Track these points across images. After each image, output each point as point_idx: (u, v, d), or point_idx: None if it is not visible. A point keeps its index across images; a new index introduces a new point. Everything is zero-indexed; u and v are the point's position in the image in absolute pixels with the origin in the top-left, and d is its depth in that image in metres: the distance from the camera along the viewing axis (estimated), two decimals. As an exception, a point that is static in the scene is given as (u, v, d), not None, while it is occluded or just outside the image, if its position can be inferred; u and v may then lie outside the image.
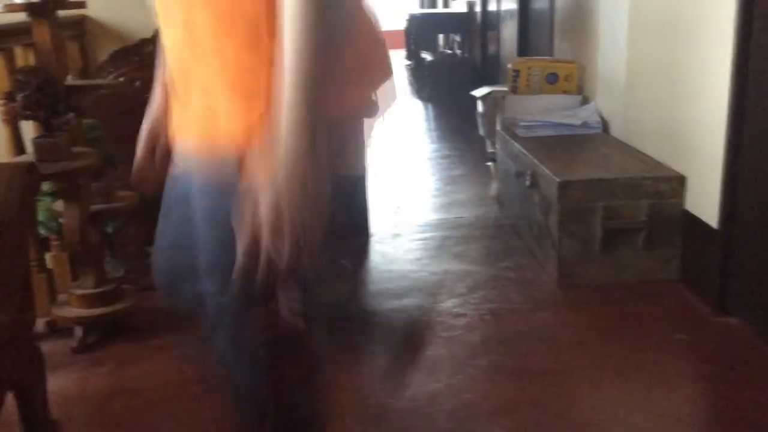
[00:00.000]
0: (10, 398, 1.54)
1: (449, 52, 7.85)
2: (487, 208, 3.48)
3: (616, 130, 3.03)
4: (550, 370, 2.02)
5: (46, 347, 1.81)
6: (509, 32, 5.15)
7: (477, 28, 6.56)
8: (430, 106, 6.58)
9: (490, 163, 3.79)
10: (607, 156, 2.72)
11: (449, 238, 3.10)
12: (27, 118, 2.05)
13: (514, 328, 2.26)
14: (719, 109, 2.19)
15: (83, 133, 2.25)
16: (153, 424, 1.85)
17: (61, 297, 2.34)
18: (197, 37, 1.00)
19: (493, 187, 3.64)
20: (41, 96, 1.95)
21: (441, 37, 8.33)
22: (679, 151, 2.49)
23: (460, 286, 2.58)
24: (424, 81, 6.82)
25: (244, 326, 1.12)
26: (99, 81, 2.57)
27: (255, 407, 1.21)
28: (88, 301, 2.21)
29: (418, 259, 2.89)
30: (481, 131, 3.81)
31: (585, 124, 3.09)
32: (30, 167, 1.63)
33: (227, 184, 0.98)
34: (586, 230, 2.45)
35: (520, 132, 3.10)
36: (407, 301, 2.49)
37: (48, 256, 2.46)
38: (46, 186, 2.23)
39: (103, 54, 2.86)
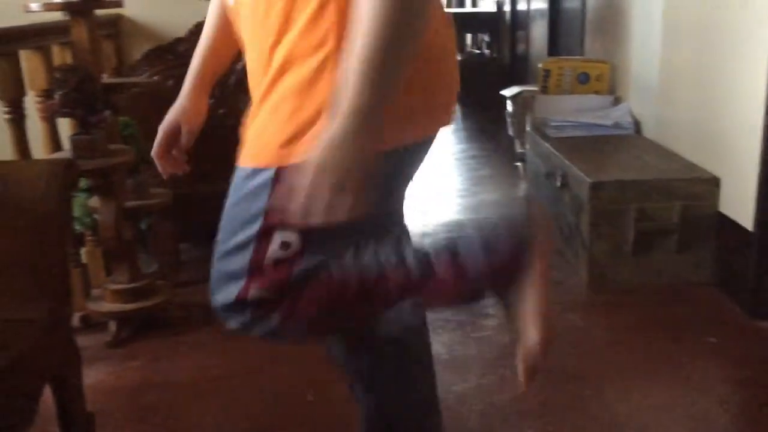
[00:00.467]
0: (47, 391, 1.57)
1: (477, 51, 7.82)
2: (516, 209, 3.46)
3: (648, 131, 3.00)
4: (582, 373, 2.01)
5: (81, 341, 1.84)
6: (539, 32, 5.12)
7: (506, 27, 6.53)
8: (457, 106, 6.56)
9: (518, 164, 3.78)
10: (639, 157, 2.69)
11: (478, 239, 3.09)
12: (64, 115, 2.09)
13: (544, 329, 2.25)
14: (755, 109, 2.16)
15: (119, 130, 2.28)
16: (184, 418, 1.87)
17: (96, 292, 2.37)
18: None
19: (523, 188, 3.62)
20: (79, 94, 1.98)
21: (469, 36, 8.30)
22: (714, 153, 2.46)
23: (489, 286, 2.57)
24: (452, 81, 6.79)
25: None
26: (134, 79, 2.61)
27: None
28: (122, 296, 2.24)
29: (446, 259, 2.88)
30: (511, 131, 3.80)
31: (617, 125, 3.07)
32: (68, 164, 1.66)
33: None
34: (618, 232, 2.43)
35: (551, 132, 3.08)
36: (437, 301, 2.48)
37: (82, 252, 2.49)
38: (81, 182, 2.26)
39: (137, 53, 2.89)
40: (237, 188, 1.07)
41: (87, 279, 2.45)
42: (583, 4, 3.93)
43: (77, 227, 2.40)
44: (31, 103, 2.33)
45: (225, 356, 2.14)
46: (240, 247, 1.07)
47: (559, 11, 4.63)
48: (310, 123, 1.00)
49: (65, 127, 2.42)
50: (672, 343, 2.14)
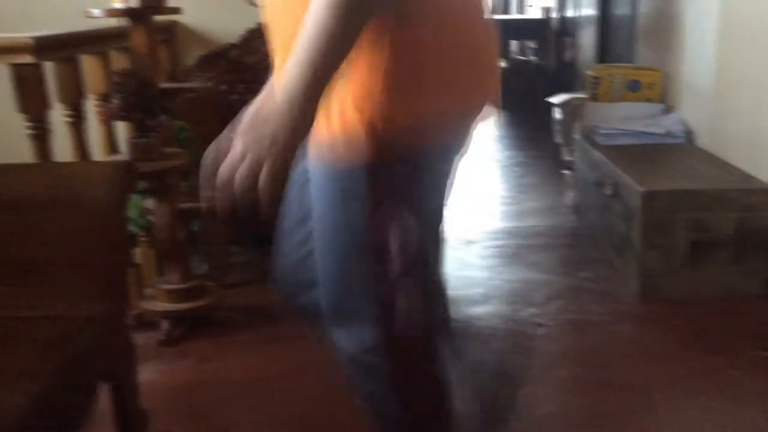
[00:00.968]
0: (104, 387, 1.61)
1: (522, 58, 7.77)
2: (562, 217, 3.44)
3: (701, 140, 2.95)
4: (632, 384, 1.98)
5: (134, 339, 1.88)
6: (587, 39, 5.07)
7: (552, 34, 6.47)
8: (502, 113, 6.54)
9: (566, 172, 3.74)
10: (692, 167, 2.65)
11: (524, 247, 3.07)
12: (123, 119, 2.14)
13: (594, 339, 2.23)
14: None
15: (174, 134, 2.33)
16: (234, 417, 1.89)
17: (148, 291, 2.42)
18: None
19: (570, 196, 3.59)
20: (137, 98, 2.03)
21: (514, 43, 8.26)
22: (772, 163, 2.41)
23: (537, 295, 2.55)
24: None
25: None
26: (189, 84, 2.66)
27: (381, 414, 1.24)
28: (175, 296, 2.28)
29: (492, 267, 2.87)
30: (558, 139, 3.76)
31: (668, 134, 3.02)
32: (128, 166, 1.70)
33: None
34: (671, 242, 2.39)
35: (600, 140, 3.04)
36: (486, 309, 2.47)
37: (136, 252, 2.55)
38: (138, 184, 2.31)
39: (191, 58, 2.95)
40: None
41: (140, 279, 2.50)
42: (634, 10, 3.88)
43: (132, 228, 2.46)
44: (89, 106, 2.39)
45: (272, 358, 2.16)
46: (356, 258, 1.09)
47: (609, 18, 4.58)
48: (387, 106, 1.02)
49: (122, 130, 2.48)
50: (724, 356, 2.10)
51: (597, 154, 2.91)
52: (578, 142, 3.25)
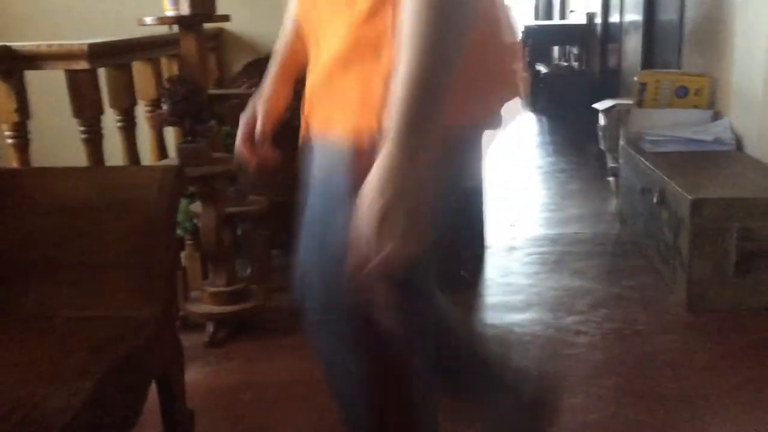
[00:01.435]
0: (151, 387, 1.65)
1: (565, 64, 7.71)
2: (607, 225, 3.40)
3: (751, 148, 2.89)
4: (677, 395, 1.95)
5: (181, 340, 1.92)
6: (632, 44, 5.01)
7: (596, 39, 6.41)
8: (544, 119, 6.49)
9: (610, 179, 3.70)
10: (742, 174, 2.59)
11: (567, 254, 3.04)
12: (172, 124, 2.18)
13: (639, 349, 2.19)
14: None
15: (222, 139, 2.37)
16: (279, 420, 1.91)
17: (194, 294, 2.46)
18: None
19: (614, 203, 3.54)
20: (187, 104, 2.07)
21: (556, 49, 8.20)
22: (825, 172, 2.35)
23: (580, 303, 2.53)
24: (539, 93, 6.73)
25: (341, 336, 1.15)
26: (237, 90, 2.70)
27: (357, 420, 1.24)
28: (220, 298, 2.32)
29: (535, 273, 2.86)
30: (602, 145, 3.73)
31: (717, 141, 2.96)
32: (178, 171, 1.74)
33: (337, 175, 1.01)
34: (720, 251, 2.34)
35: (647, 147, 3.00)
36: (527, 316, 2.46)
37: (182, 255, 2.59)
38: (186, 188, 2.36)
39: (237, 65, 3.00)
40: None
41: (186, 281, 2.55)
42: (681, 16, 3.82)
43: (178, 231, 2.50)
44: (140, 111, 2.45)
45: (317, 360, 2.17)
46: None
47: (655, 23, 4.52)
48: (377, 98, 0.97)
49: (170, 135, 2.54)
50: (775, 369, 2.05)
51: (643, 161, 2.87)
52: (624, 149, 3.21)
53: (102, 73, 2.21)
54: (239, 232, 2.67)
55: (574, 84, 6.43)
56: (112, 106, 2.27)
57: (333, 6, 1.06)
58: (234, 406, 1.99)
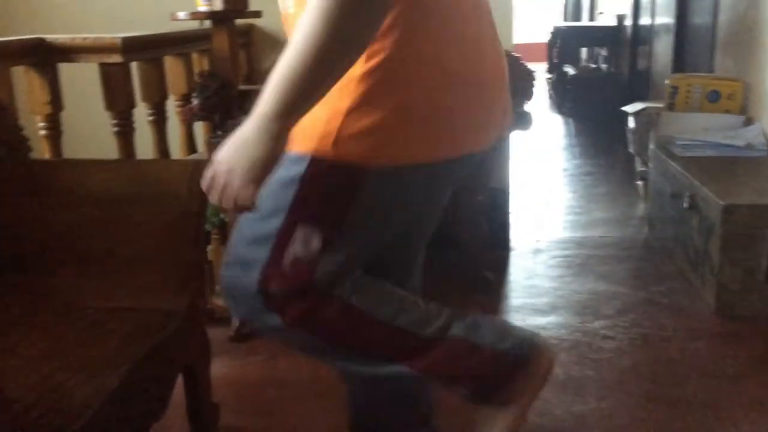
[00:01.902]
0: (178, 380, 1.65)
1: (593, 66, 7.64)
2: (634, 229, 3.36)
3: (784, 154, 2.84)
4: (706, 402, 1.92)
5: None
6: (663, 47, 4.95)
7: (626, 42, 6.35)
8: (570, 121, 6.44)
9: (639, 182, 3.66)
10: (775, 180, 2.55)
11: (594, 257, 3.02)
12: (203, 119, 2.19)
13: (667, 355, 2.17)
14: None
15: (250, 135, 2.38)
16: (303, 416, 1.91)
17: (220, 288, 2.47)
18: None
19: (641, 207, 3.51)
20: (218, 99, 2.08)
21: (584, 50, 8.13)
22: None
23: (607, 307, 2.50)
24: (566, 95, 6.68)
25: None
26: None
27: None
28: (245, 293, 2.32)
29: (560, 276, 2.83)
30: (631, 148, 3.69)
31: (749, 146, 2.92)
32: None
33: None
34: (751, 258, 2.31)
35: (677, 151, 2.97)
36: (552, 319, 2.44)
37: (209, 249, 2.60)
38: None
39: (267, 61, 3.01)
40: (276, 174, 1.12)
41: (212, 275, 2.55)
42: (715, 19, 3.77)
43: (206, 226, 2.51)
44: (170, 106, 2.46)
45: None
46: (264, 237, 1.13)
47: (687, 26, 4.46)
48: (346, 116, 1.06)
49: (199, 129, 2.55)
50: (806, 379, 2.01)
51: (674, 166, 2.84)
52: (654, 153, 3.18)
53: (133, 67, 2.23)
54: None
55: (602, 86, 6.37)
56: (144, 99, 2.28)
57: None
58: (257, 402, 2.00)
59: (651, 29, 5.41)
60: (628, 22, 6.26)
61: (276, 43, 3.07)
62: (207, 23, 2.32)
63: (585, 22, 8.67)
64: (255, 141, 0.97)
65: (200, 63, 2.55)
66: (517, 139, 2.80)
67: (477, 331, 1.20)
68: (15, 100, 2.00)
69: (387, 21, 1.01)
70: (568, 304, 2.56)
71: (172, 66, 2.41)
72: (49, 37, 2.11)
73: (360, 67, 1.04)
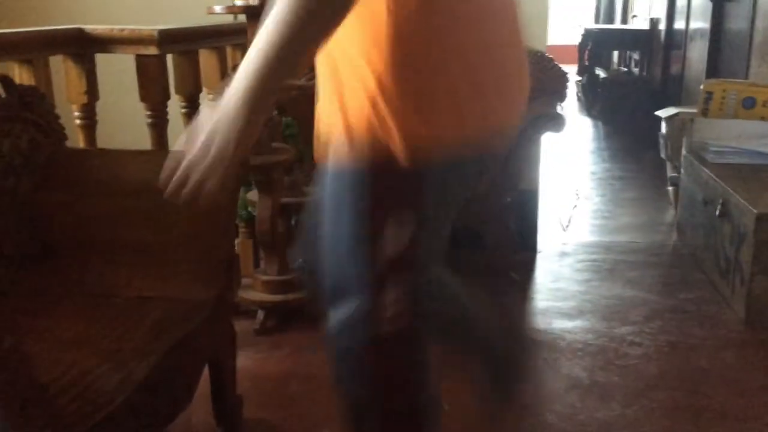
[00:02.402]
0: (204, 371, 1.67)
1: (624, 69, 7.57)
2: (663, 235, 3.32)
3: (821, 164, 2.79)
4: (733, 413, 1.89)
5: (232, 327, 1.93)
6: (697, 52, 4.88)
7: (659, 46, 6.27)
8: (600, 125, 6.38)
9: (670, 188, 3.62)
10: (810, 190, 2.51)
11: (621, 262, 2.99)
12: (235, 112, 2.20)
13: (694, 364, 2.14)
14: None
15: (281, 130, 2.39)
16: (326, 410, 1.91)
17: (245, 281, 2.49)
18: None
19: (671, 213, 3.46)
20: (251, 93, 2.08)
21: (616, 54, 8.05)
22: None
23: (634, 313, 2.48)
24: (596, 98, 6.62)
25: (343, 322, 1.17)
26: (298, 82, 2.71)
27: (357, 408, 1.25)
28: (271, 287, 2.34)
29: (587, 281, 2.81)
30: (663, 153, 3.64)
31: (785, 155, 2.87)
32: (242, 159, 1.76)
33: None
34: (783, 268, 2.27)
35: (710, 157, 2.93)
36: (578, 323, 2.42)
37: (235, 242, 2.62)
38: (244, 177, 2.38)
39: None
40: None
41: (238, 268, 2.57)
42: (752, 25, 3.71)
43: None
44: (204, 99, 2.48)
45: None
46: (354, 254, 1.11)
47: (723, 32, 4.40)
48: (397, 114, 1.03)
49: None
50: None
51: (706, 172, 2.80)
52: (686, 158, 3.14)
53: (168, 60, 2.24)
54: (293, 222, 2.69)
55: (634, 90, 6.30)
56: (178, 92, 2.30)
57: None
58: (280, 395, 2.01)
59: (685, 34, 5.34)
60: (661, 26, 6.19)
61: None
62: (241, 17, 2.33)
63: (617, 24, 8.58)
64: (231, 123, 0.96)
65: (234, 57, 2.56)
66: (546, 140, 2.78)
67: None
68: (52, 88, 2.02)
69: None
70: (595, 309, 2.54)
71: (206, 59, 2.42)
72: (88, 27, 2.13)
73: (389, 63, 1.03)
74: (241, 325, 2.34)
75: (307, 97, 2.72)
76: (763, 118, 3.14)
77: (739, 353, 2.21)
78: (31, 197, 1.67)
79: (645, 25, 6.73)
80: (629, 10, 8.04)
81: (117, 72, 2.34)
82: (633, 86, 6.42)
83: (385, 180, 1.07)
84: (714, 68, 4.42)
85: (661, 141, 3.60)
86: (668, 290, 2.68)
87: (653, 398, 1.95)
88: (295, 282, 2.39)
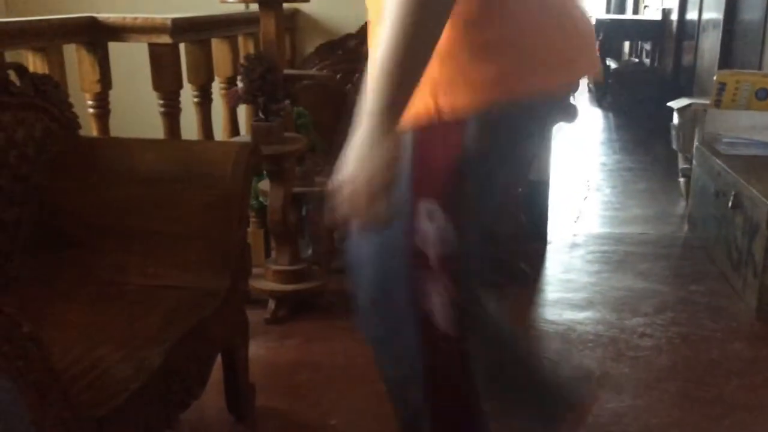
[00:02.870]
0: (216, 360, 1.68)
1: (636, 60, 7.52)
2: (674, 227, 3.31)
3: (835, 155, 2.77)
4: (744, 404, 1.89)
5: (244, 316, 1.94)
6: (710, 43, 4.85)
7: (671, 36, 6.23)
8: (611, 116, 6.35)
9: (681, 179, 3.60)
10: (824, 182, 2.49)
11: (632, 254, 2.98)
12: (247, 102, 2.21)
13: (705, 355, 2.14)
14: None
15: (293, 119, 2.39)
16: (335, 399, 1.93)
17: (256, 270, 2.49)
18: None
19: (682, 205, 3.45)
20: (263, 83, 2.09)
21: (627, 44, 8.01)
22: None
23: (645, 305, 2.47)
24: (607, 89, 6.59)
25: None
26: (311, 72, 2.72)
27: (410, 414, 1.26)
28: (282, 276, 2.35)
29: (597, 272, 2.80)
30: (675, 145, 3.62)
31: (798, 146, 2.85)
32: (254, 148, 1.76)
33: None
34: (796, 261, 2.26)
35: (723, 149, 2.91)
36: (589, 315, 2.42)
37: (247, 232, 2.63)
38: (256, 166, 2.38)
39: (310, 46, 3.01)
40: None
41: (249, 257, 2.58)
42: (766, 15, 3.68)
43: (246, 208, 2.54)
44: (216, 88, 2.48)
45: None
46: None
47: (736, 22, 4.36)
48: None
49: (242, 113, 2.57)
50: None
51: (718, 163, 2.78)
52: (698, 150, 3.12)
53: (181, 49, 2.24)
54: (304, 212, 2.70)
55: (645, 81, 6.27)
56: (190, 81, 2.31)
57: None
58: (291, 384, 2.01)
59: (698, 24, 5.30)
60: (674, 16, 6.15)
61: (319, 28, 3.08)
62: (253, 6, 2.34)
63: (629, 15, 8.52)
64: (368, 145, 0.95)
65: (246, 46, 2.57)
66: (558, 131, 2.77)
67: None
68: (65, 77, 2.03)
69: None
70: (606, 300, 2.53)
71: (218, 48, 2.43)
72: (101, 16, 2.14)
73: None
74: (252, 315, 2.32)
75: (317, 87, 2.73)
76: (776, 110, 3.12)
77: (750, 345, 2.20)
78: (44, 186, 1.67)
79: (657, 16, 6.69)
80: (641, 0, 7.99)
81: (130, 61, 2.35)
82: (644, 77, 6.39)
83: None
84: (727, 59, 4.39)
85: (673, 132, 3.58)
86: (679, 282, 2.67)
87: (664, 389, 1.95)
88: (306, 272, 2.40)
